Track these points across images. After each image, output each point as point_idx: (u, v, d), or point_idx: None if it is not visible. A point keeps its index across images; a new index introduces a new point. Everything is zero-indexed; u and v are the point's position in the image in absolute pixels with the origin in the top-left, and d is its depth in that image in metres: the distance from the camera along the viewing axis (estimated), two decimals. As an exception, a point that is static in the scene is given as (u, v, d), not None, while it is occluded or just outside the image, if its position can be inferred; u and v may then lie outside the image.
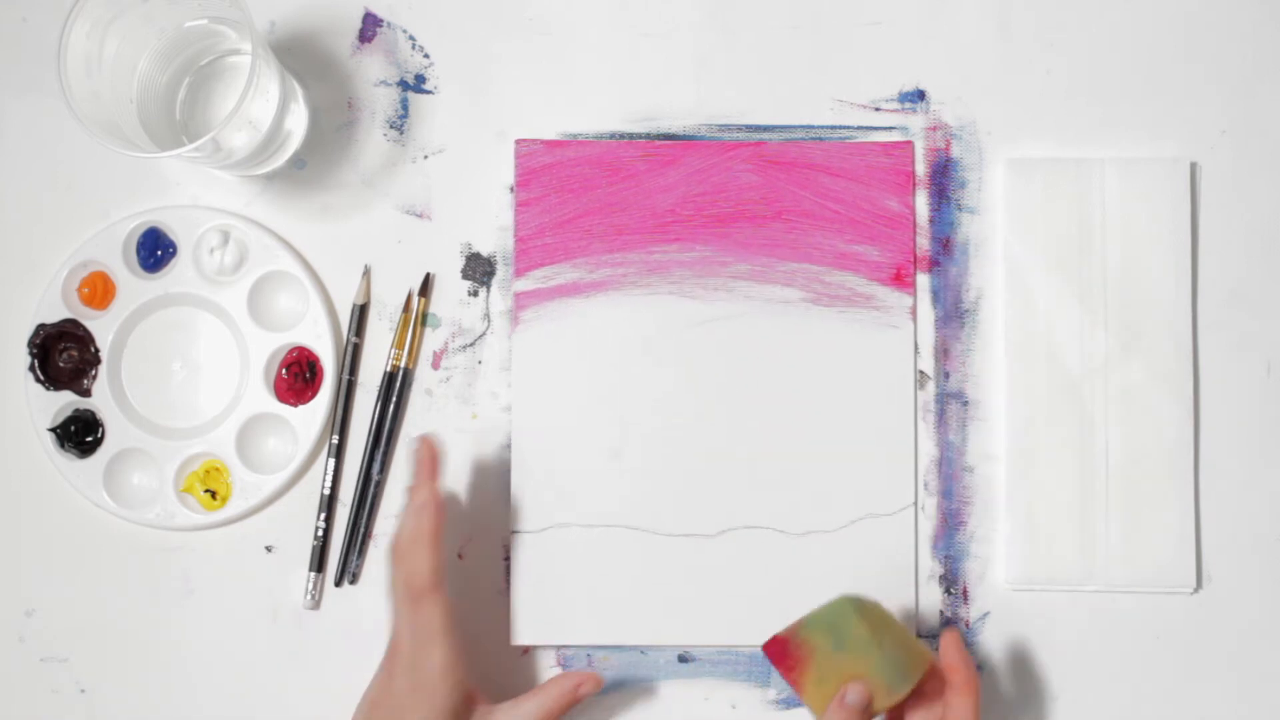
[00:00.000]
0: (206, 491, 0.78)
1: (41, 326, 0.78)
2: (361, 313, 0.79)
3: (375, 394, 0.79)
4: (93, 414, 0.78)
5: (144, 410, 0.79)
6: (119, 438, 0.78)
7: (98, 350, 0.78)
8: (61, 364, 0.78)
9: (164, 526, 0.78)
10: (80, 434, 0.78)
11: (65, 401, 0.78)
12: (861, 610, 0.70)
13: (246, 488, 0.78)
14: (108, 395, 0.78)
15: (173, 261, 0.79)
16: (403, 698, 0.71)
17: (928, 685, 0.71)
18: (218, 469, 0.78)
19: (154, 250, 0.79)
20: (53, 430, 0.78)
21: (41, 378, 0.78)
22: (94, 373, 0.78)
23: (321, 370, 0.78)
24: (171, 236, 0.78)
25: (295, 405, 0.78)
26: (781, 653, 0.70)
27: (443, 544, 0.72)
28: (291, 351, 0.79)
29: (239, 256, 0.78)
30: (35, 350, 0.78)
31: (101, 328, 0.78)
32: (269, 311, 0.79)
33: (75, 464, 0.78)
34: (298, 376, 0.78)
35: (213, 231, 0.78)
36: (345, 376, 0.78)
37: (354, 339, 0.78)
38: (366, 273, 0.79)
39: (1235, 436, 0.78)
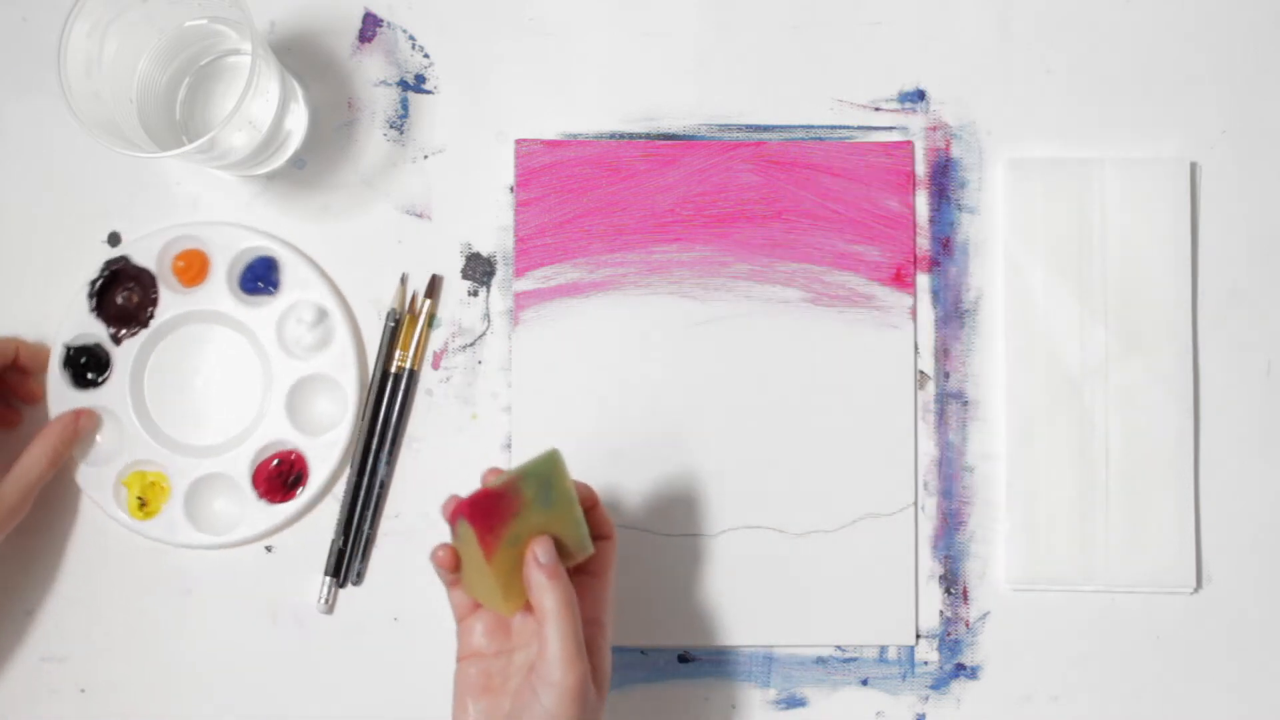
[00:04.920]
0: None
1: (105, 270, 0.77)
2: (395, 321, 0.78)
3: (375, 394, 0.79)
4: (104, 350, 0.77)
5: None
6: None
7: (156, 297, 0.78)
8: (120, 301, 0.78)
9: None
10: (88, 366, 0.78)
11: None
12: (562, 464, 0.65)
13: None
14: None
15: (267, 297, 0.78)
16: None
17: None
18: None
19: (258, 279, 0.78)
20: (66, 348, 0.77)
21: (95, 308, 0.78)
22: (150, 312, 0.77)
23: (306, 478, 0.77)
24: (279, 275, 0.78)
25: (274, 503, 0.77)
26: (491, 508, 0.63)
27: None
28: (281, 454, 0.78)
29: (325, 337, 0.78)
30: (99, 284, 0.78)
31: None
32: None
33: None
34: (281, 478, 0.78)
35: (308, 305, 0.77)
36: (372, 397, 0.78)
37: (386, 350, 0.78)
38: (404, 280, 0.79)
39: (1235, 436, 0.78)
